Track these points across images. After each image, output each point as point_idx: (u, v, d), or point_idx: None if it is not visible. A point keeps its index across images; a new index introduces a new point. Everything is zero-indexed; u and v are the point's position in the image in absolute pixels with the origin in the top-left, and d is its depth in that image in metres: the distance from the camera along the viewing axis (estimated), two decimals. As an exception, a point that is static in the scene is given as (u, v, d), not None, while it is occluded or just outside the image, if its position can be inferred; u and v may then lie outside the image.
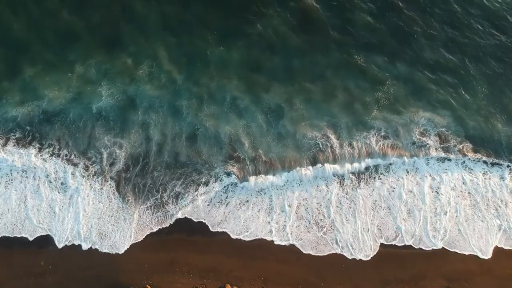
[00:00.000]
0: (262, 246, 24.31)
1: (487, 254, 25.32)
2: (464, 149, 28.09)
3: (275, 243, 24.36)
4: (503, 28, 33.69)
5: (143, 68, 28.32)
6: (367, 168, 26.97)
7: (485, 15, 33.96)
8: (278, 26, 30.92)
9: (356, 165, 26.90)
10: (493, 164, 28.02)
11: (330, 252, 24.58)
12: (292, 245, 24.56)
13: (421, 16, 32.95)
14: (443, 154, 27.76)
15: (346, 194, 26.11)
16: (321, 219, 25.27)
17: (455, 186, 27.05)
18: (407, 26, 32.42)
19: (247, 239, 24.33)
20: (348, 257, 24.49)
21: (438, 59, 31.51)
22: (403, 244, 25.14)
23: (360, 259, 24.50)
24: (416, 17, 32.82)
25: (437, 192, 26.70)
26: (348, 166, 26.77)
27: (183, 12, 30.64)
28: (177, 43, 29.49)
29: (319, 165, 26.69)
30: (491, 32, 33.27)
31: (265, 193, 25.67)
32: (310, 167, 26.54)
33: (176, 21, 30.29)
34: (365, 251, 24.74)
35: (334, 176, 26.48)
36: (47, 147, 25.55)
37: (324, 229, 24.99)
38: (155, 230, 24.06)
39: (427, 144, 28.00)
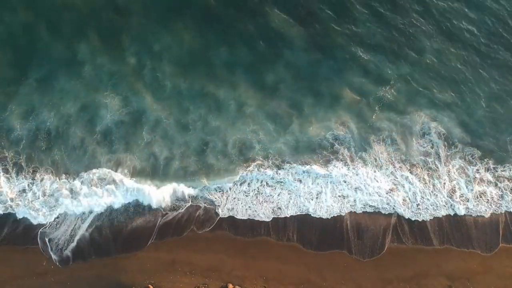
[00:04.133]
0: (263, 245, 24.34)
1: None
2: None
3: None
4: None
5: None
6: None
7: (491, 15, 33.99)
8: (279, 27, 31.05)
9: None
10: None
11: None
12: (294, 244, 24.61)
13: (424, 16, 33.20)
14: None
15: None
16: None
17: None
18: (411, 26, 32.60)
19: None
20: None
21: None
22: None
23: (361, 259, 24.60)
24: (419, 17, 33.05)
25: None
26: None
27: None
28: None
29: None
30: (498, 32, 33.32)
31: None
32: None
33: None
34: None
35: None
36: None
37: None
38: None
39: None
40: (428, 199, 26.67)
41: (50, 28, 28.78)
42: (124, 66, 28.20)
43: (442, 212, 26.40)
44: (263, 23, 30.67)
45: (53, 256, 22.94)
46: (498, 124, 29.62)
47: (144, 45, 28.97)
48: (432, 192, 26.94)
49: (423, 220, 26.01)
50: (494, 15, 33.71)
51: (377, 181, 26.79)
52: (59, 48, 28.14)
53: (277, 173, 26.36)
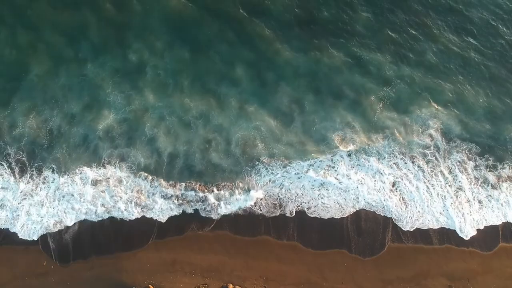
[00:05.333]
0: (264, 246, 24.32)
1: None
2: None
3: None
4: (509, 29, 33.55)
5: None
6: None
7: (490, 14, 33.81)
8: (279, 27, 30.82)
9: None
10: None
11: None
12: (294, 244, 24.60)
13: (425, 16, 33.02)
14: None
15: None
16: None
17: None
18: (411, 26, 32.46)
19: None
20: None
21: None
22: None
23: (361, 258, 24.63)
24: (420, 17, 32.90)
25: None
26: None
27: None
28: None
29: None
30: (498, 32, 33.15)
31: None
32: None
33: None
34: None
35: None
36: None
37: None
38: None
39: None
40: (428, 206, 26.53)
41: (53, 25, 28.61)
42: (126, 63, 28.18)
43: (445, 225, 26.21)
44: (263, 24, 30.51)
45: (51, 244, 23.04)
46: (497, 123, 29.60)
47: (146, 43, 28.85)
48: (435, 199, 26.79)
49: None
50: (494, 15, 33.63)
51: (381, 174, 26.73)
52: (61, 46, 28.06)
53: (279, 170, 26.26)
